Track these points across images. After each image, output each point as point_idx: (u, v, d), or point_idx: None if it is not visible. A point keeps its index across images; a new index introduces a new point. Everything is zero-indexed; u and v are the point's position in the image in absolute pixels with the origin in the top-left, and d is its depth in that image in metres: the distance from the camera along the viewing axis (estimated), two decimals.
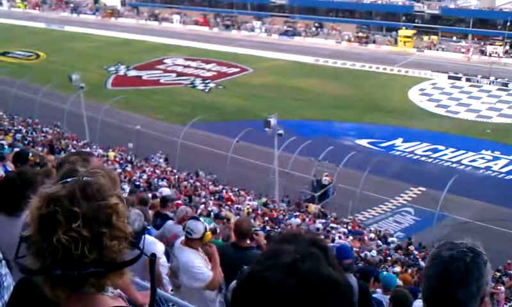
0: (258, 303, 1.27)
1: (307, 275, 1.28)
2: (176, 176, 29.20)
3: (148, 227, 6.60)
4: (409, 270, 17.94)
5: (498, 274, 20.86)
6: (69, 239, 1.49)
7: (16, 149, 11.27)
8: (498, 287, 18.01)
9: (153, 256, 1.74)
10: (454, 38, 68.26)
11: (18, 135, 27.65)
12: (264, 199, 27.79)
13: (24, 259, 1.59)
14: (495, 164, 35.32)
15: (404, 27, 69.98)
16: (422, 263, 20.19)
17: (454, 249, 1.97)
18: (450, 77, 55.28)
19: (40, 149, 22.59)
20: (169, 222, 8.13)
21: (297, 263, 1.30)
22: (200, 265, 5.62)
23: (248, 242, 6.60)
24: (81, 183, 1.59)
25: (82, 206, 1.53)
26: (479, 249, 1.98)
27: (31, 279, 1.62)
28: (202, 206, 20.76)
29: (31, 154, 9.54)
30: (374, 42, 71.89)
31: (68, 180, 1.63)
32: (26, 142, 25.52)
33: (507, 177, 33.80)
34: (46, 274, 1.54)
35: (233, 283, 5.76)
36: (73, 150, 24.67)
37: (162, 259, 5.63)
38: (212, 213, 17.72)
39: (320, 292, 1.28)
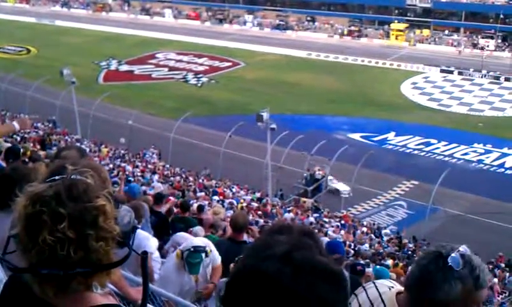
0: (255, 294, 1.28)
1: (302, 265, 1.29)
2: (169, 171, 29.15)
3: (139, 226, 6.50)
4: (400, 264, 17.96)
5: (491, 266, 20.99)
6: (54, 240, 1.48)
7: (8, 145, 11.18)
8: (491, 279, 18.11)
9: (145, 254, 1.72)
10: (446, 32, 68.45)
11: None
12: (257, 194, 27.78)
13: (12, 257, 1.58)
14: (487, 157, 35.51)
15: (396, 21, 70.11)
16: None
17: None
18: (442, 71, 55.49)
19: (31, 145, 22.45)
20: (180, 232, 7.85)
21: (292, 253, 1.30)
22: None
23: (245, 236, 6.59)
24: (67, 184, 1.56)
25: (68, 208, 1.51)
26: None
27: (21, 276, 1.60)
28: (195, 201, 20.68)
29: (22, 150, 9.48)
30: (367, 36, 71.97)
31: (56, 178, 1.60)
32: (18, 137, 25.36)
33: (498, 170, 34.00)
34: (32, 272, 1.53)
35: (224, 279, 5.74)
36: (64, 146, 24.53)
37: (155, 255, 5.60)
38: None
39: (316, 281, 1.28)
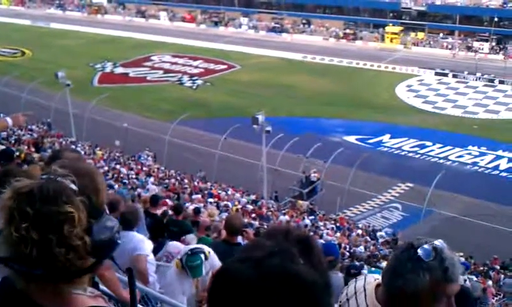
0: (225, 295, 1.31)
1: (272, 271, 1.29)
2: (164, 174, 29.11)
3: (119, 242, 6.44)
4: None
5: (485, 268, 21.04)
6: (19, 236, 1.49)
7: (2, 147, 11.13)
8: (486, 281, 18.16)
9: (130, 272, 1.72)
10: (441, 35, 68.66)
11: (4, 133, 27.32)
12: (252, 196, 27.77)
13: None
14: (482, 160, 35.56)
15: (391, 24, 70.26)
16: None
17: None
18: (437, 73, 55.60)
19: (26, 147, 22.37)
20: (173, 242, 7.77)
21: (266, 258, 1.32)
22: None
23: (240, 238, 6.58)
24: (41, 185, 1.57)
25: (34, 208, 1.51)
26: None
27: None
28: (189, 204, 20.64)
29: (16, 153, 9.45)
30: (362, 39, 72.12)
31: (43, 176, 1.62)
32: (12, 140, 25.26)
33: (493, 172, 34.07)
34: (4, 263, 1.54)
35: None
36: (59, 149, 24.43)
37: (150, 257, 5.58)
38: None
39: (284, 289, 1.28)
